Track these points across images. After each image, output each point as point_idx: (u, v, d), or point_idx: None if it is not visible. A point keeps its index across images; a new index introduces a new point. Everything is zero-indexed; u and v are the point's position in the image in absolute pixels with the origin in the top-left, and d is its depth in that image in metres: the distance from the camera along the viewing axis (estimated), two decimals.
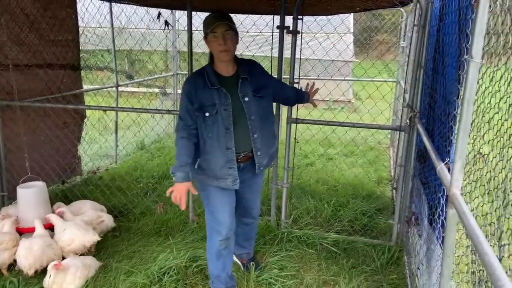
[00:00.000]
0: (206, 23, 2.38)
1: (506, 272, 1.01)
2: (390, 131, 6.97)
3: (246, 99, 2.44)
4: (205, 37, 2.43)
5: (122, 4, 5.45)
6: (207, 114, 2.40)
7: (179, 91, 7.95)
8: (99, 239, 3.22)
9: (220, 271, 2.73)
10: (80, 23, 4.77)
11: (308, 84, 3.09)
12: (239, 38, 2.49)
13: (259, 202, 2.94)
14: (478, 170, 1.57)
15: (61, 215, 3.36)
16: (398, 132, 4.54)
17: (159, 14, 4.00)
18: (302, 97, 2.98)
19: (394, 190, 4.33)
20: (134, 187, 4.58)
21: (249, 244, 3.14)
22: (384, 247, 3.40)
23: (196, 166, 2.58)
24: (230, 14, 2.47)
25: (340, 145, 6.33)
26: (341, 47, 7.55)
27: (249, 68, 2.53)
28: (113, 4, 5.36)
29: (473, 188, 1.60)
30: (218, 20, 2.32)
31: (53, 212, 3.46)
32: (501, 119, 1.38)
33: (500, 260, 1.13)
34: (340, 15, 5.65)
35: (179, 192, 2.38)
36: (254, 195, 2.83)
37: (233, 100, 2.42)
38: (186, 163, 2.42)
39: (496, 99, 1.41)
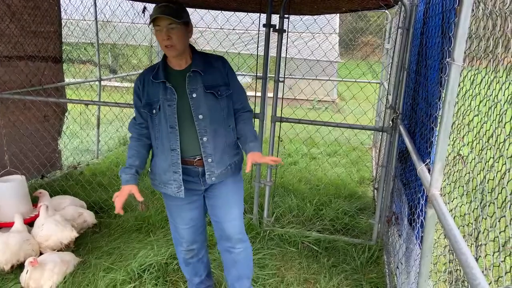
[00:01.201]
0: (152, 14, 2.11)
1: (482, 271, 1.03)
2: (372, 131, 7.05)
3: (194, 95, 2.15)
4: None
5: None
6: (154, 112, 2.18)
7: None
8: (76, 235, 3.17)
9: (192, 276, 2.62)
10: (63, 15, 4.69)
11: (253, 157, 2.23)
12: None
13: (236, 219, 2.39)
14: (457, 171, 1.60)
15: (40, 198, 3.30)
16: (380, 133, 4.60)
17: (144, 8, 3.95)
18: (245, 143, 2.30)
19: (375, 190, 4.39)
20: (115, 183, 4.52)
21: (240, 286, 2.56)
22: (364, 246, 3.44)
23: (150, 170, 2.39)
24: (181, 2, 2.22)
25: (324, 145, 6.37)
26: (327, 47, 7.60)
27: (206, 62, 2.23)
28: None
29: (452, 189, 1.63)
30: (161, 12, 2.04)
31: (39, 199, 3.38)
32: (480, 122, 1.41)
33: (477, 259, 1.15)
34: (326, 15, 5.68)
35: (119, 194, 2.16)
36: (225, 209, 2.37)
37: (180, 96, 2.16)
38: (131, 166, 2.23)
39: (476, 102, 1.44)
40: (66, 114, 4.87)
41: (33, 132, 4.28)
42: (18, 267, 2.88)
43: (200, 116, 2.17)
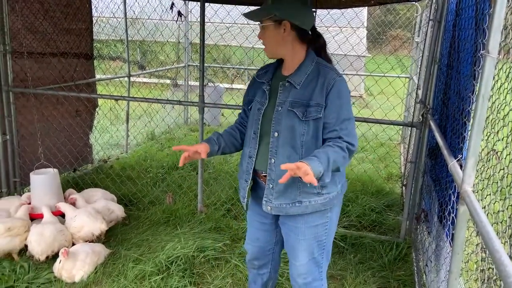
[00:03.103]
0: None
1: None
2: (401, 127, 6.91)
3: (280, 108, 1.91)
4: None
5: None
6: (249, 110, 2.07)
7: (190, 82, 7.98)
8: (106, 228, 3.25)
9: (250, 281, 2.45)
10: (94, 12, 4.80)
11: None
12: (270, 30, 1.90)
13: (303, 265, 2.06)
14: (491, 167, 1.56)
15: (73, 203, 3.41)
16: (409, 128, 4.50)
17: (172, 4, 4.00)
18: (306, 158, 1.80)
19: (403, 187, 4.31)
20: (143, 177, 4.62)
21: None
22: (392, 243, 3.39)
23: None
24: None
25: None
26: (354, 41, 7.49)
27: (312, 73, 1.90)
28: None
29: (485, 186, 1.58)
30: (251, 12, 1.87)
31: (65, 198, 3.51)
32: None
33: (511, 257, 1.12)
34: (354, 9, 5.58)
35: (187, 148, 1.96)
36: (291, 251, 2.10)
37: (270, 104, 1.96)
38: (216, 132, 2.11)
39: None
40: (97, 109, 4.99)
41: (65, 127, 4.42)
42: (52, 257, 2.99)
43: (275, 134, 1.92)
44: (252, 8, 5.77)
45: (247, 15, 1.90)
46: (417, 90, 4.25)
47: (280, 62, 2.06)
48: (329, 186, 1.94)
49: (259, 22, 1.91)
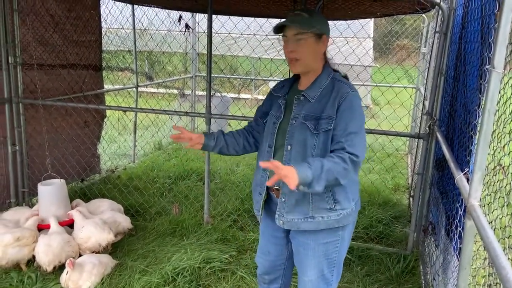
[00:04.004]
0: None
1: None
2: (408, 138, 6.89)
3: (294, 122, 1.92)
4: None
5: (144, 7, 5.54)
6: (265, 121, 2.08)
7: (198, 92, 8.03)
8: (113, 238, 3.26)
9: None
10: (103, 24, 4.87)
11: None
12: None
13: (312, 281, 2.04)
14: (497, 181, 1.55)
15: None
16: (416, 139, 4.49)
17: (180, 17, 4.05)
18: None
19: (411, 198, 4.28)
20: (150, 187, 4.64)
21: None
22: (399, 255, 3.36)
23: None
24: (314, 10, 2.00)
25: None
26: (360, 52, 7.51)
27: (327, 88, 1.91)
28: (135, 6, 5.46)
29: (492, 200, 1.57)
30: (289, 21, 1.85)
31: (72, 208, 3.52)
32: None
33: None
34: (360, 20, 5.62)
35: (186, 132, 2.00)
36: (300, 267, 2.09)
37: (285, 118, 1.97)
38: (221, 132, 2.11)
39: None
40: (105, 119, 5.04)
41: (74, 138, 4.46)
42: (59, 268, 3.00)
43: (289, 147, 1.92)
44: (259, 19, 5.79)
45: (288, 21, 1.85)
46: (423, 101, 4.25)
47: (296, 78, 2.07)
48: (342, 201, 1.91)
49: (292, 34, 1.85)
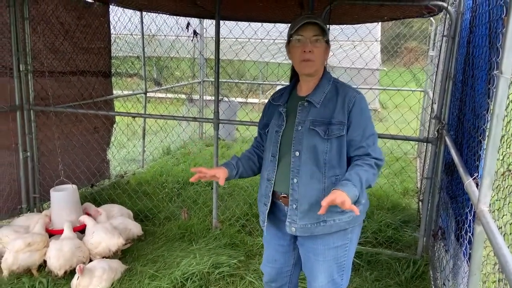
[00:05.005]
0: (293, 23, 1.91)
1: None
2: (417, 142, 6.85)
3: (300, 128, 1.92)
4: (288, 43, 1.98)
5: (153, 14, 5.60)
6: (266, 134, 2.09)
7: (205, 97, 8.08)
8: (123, 243, 3.29)
9: None
10: (112, 31, 4.93)
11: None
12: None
13: (323, 283, 2.04)
14: (507, 187, 1.54)
15: (96, 216, 3.45)
16: (425, 143, 4.47)
17: (188, 24, 4.09)
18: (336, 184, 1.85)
19: (420, 203, 4.26)
20: (159, 192, 4.67)
21: None
22: (409, 260, 3.34)
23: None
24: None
25: None
26: (368, 56, 7.50)
27: (330, 92, 1.93)
28: (144, 13, 5.52)
29: (502, 205, 1.56)
30: (307, 20, 1.85)
31: (84, 213, 3.56)
32: None
33: None
34: (368, 25, 5.62)
35: (206, 170, 2.01)
36: (310, 274, 2.09)
37: (289, 125, 1.97)
38: (235, 156, 2.15)
39: None
40: (115, 125, 5.09)
41: (84, 143, 4.51)
42: (70, 273, 3.03)
43: (297, 153, 1.92)
44: (266, 25, 5.81)
45: (313, 19, 1.88)
46: (432, 105, 4.23)
47: (294, 85, 2.09)
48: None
49: (312, 35, 1.88)
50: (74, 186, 3.57)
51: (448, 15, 3.16)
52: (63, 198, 3.45)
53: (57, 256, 2.97)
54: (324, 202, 1.63)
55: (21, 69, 3.77)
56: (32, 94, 3.88)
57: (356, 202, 1.71)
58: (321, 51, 1.90)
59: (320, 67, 1.95)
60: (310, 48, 1.87)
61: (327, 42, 1.94)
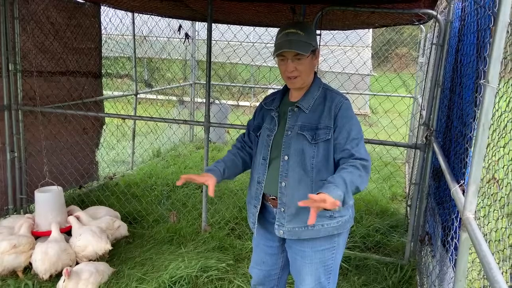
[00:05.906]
0: (276, 39, 1.92)
1: None
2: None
3: (289, 133, 1.96)
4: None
5: (144, 15, 5.57)
6: (258, 137, 2.11)
7: (197, 99, 8.06)
8: (111, 248, 3.25)
9: None
10: (103, 32, 4.90)
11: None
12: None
13: (310, 286, 2.06)
14: (493, 194, 1.57)
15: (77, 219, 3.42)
16: (414, 149, 4.51)
17: (180, 26, 4.09)
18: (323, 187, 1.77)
19: (408, 208, 4.29)
20: (148, 195, 4.64)
21: None
22: (396, 265, 3.37)
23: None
24: (309, 25, 2.04)
25: None
26: (358, 62, 7.56)
27: (319, 98, 1.97)
28: (136, 15, 5.49)
29: (487, 212, 1.59)
30: (288, 44, 1.85)
31: (68, 214, 3.52)
32: None
33: None
34: (359, 32, 5.67)
35: (194, 175, 2.00)
36: (297, 276, 2.11)
37: (280, 130, 2.00)
38: (221, 161, 2.12)
39: None
40: (104, 127, 5.05)
41: (72, 144, 4.47)
42: (56, 276, 2.99)
43: (286, 157, 1.95)
44: (258, 29, 5.82)
45: (287, 46, 1.85)
46: (421, 111, 4.28)
47: (286, 89, 2.11)
48: (341, 209, 1.93)
49: (292, 55, 1.88)
50: (60, 187, 3.54)
51: (437, 23, 3.20)
52: (47, 200, 3.40)
53: (43, 260, 2.94)
54: (302, 203, 1.62)
55: (10, 68, 3.73)
56: (20, 94, 3.84)
57: (343, 204, 1.71)
58: (306, 66, 1.92)
59: (307, 78, 1.97)
60: (293, 68, 1.90)
61: (314, 51, 1.94)
